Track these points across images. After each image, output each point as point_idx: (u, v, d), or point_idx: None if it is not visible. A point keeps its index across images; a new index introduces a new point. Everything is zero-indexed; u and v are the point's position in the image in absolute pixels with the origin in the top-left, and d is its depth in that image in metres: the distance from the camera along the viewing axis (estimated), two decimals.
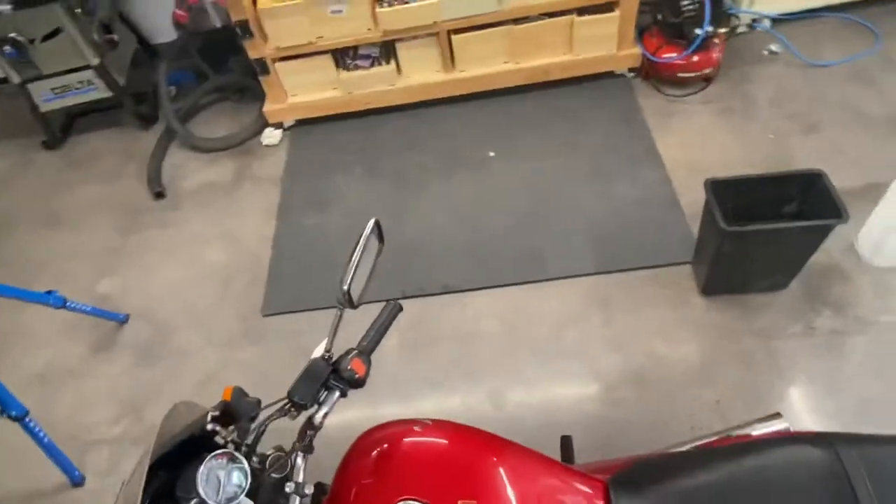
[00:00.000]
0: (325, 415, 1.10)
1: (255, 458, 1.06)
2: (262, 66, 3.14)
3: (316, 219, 3.00)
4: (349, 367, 1.12)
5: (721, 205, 2.09)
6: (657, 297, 2.44)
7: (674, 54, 3.03)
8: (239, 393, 1.12)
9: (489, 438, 1.26)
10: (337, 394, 1.12)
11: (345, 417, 2.04)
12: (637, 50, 3.15)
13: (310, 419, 1.09)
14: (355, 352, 1.15)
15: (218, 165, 3.36)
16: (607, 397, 2.20)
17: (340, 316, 1.16)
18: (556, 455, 1.74)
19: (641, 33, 3.18)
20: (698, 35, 2.92)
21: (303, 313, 2.64)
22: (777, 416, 1.60)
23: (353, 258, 1.12)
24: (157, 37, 3.89)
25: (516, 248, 2.68)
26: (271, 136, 3.41)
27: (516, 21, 3.03)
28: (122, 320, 2.74)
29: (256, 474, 1.02)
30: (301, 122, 3.45)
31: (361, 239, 1.14)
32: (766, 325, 2.28)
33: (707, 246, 2.28)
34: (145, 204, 3.24)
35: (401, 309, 1.27)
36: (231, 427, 1.06)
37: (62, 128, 3.72)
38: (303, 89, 3.30)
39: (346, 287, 1.10)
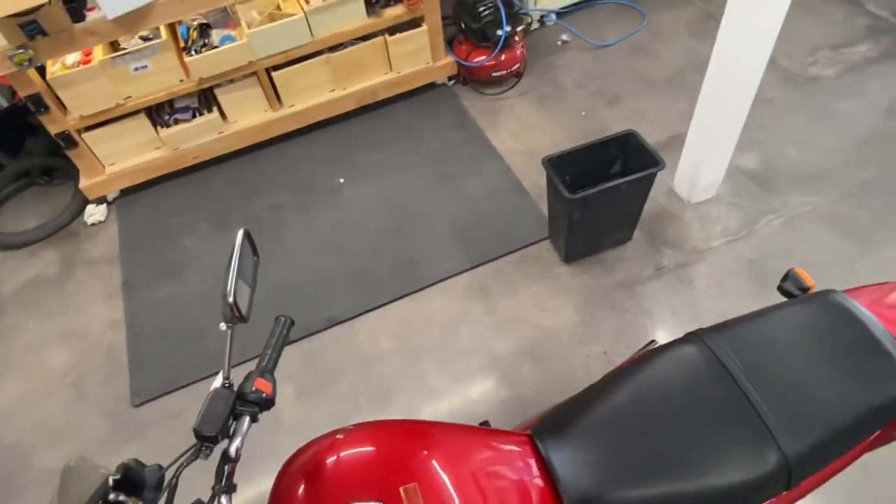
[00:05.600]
0: (240, 444, 1.04)
1: None
2: (68, 140, 2.84)
3: (169, 289, 2.78)
4: (254, 388, 1.07)
5: (560, 178, 2.29)
6: (528, 275, 2.60)
7: (483, 57, 3.27)
8: (135, 463, 1.00)
9: (411, 424, 1.31)
10: (247, 419, 1.06)
11: (260, 488, 1.91)
12: (450, 59, 3.35)
13: (224, 454, 1.03)
14: (256, 372, 1.10)
15: (38, 258, 2.97)
16: (511, 378, 2.29)
17: (232, 335, 1.10)
18: None
19: (451, 43, 3.39)
20: (500, 35, 3.18)
21: (179, 391, 2.43)
22: (652, 342, 1.80)
23: (231, 268, 1.07)
24: None
25: (389, 264, 2.70)
26: (95, 212, 3.09)
27: (332, 49, 3.08)
28: None
29: None
30: (127, 192, 3.17)
31: (234, 249, 1.10)
32: (625, 275, 2.54)
33: (558, 219, 2.48)
34: None
35: (293, 323, 1.23)
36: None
37: None
38: (121, 156, 3.04)
39: (231, 299, 1.05)
